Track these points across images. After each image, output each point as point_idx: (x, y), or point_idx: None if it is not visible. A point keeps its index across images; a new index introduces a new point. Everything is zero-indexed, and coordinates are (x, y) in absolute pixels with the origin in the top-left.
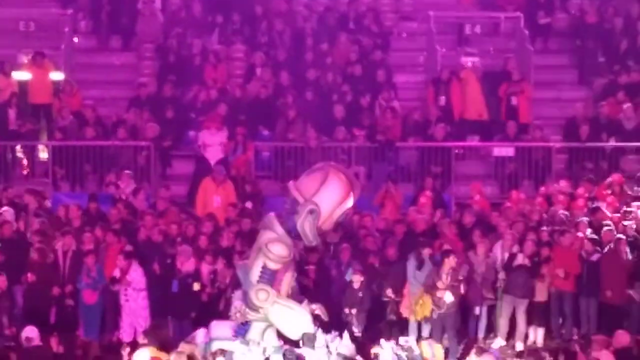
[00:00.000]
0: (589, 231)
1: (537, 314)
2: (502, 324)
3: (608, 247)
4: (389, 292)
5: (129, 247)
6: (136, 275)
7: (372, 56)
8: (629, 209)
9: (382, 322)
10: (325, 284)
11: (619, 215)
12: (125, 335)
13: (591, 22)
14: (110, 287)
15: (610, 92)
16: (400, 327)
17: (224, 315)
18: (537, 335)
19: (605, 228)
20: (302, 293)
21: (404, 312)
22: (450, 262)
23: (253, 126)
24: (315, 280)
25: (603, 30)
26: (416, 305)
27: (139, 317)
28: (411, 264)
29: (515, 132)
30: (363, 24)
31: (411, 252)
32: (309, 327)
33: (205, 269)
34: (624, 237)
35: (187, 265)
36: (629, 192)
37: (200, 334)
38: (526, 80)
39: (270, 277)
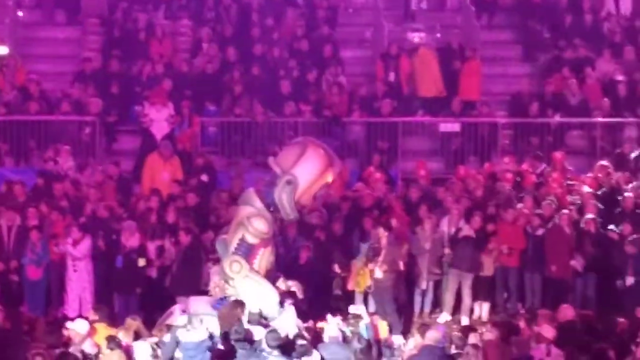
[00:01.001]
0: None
1: (482, 289)
2: (448, 298)
3: (552, 222)
4: (336, 267)
5: (82, 219)
6: (86, 248)
7: (319, 31)
8: (571, 182)
9: (329, 297)
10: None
11: (561, 190)
12: (71, 310)
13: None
14: (55, 255)
15: (555, 67)
16: (346, 301)
17: (169, 292)
18: (483, 309)
19: (545, 202)
20: None
21: (351, 286)
22: (384, 236)
23: (199, 101)
24: None
25: (548, 6)
26: (357, 277)
27: (84, 291)
28: (356, 238)
29: (460, 107)
30: None
31: (357, 225)
32: (274, 306)
33: (151, 244)
34: (567, 211)
35: (131, 240)
36: (570, 168)
37: (177, 309)
38: (472, 57)
39: (246, 251)
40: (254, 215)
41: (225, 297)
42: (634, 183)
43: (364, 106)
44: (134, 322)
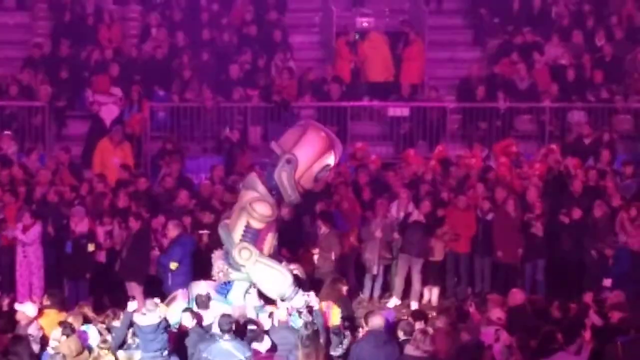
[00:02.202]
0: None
1: (432, 273)
2: (398, 283)
3: (499, 207)
4: (284, 252)
5: (33, 205)
6: (35, 234)
7: (268, 16)
8: (519, 162)
9: None
10: (221, 244)
11: (510, 174)
12: (20, 296)
13: None
14: (4, 239)
15: (504, 52)
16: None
17: (119, 276)
18: (432, 294)
19: (498, 187)
20: (193, 255)
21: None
22: (323, 226)
23: (149, 86)
24: (209, 243)
25: None
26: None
27: (33, 276)
28: (306, 223)
29: (409, 92)
30: None
31: (307, 210)
32: (289, 287)
33: (100, 229)
34: (514, 195)
35: (80, 225)
36: (520, 154)
37: (180, 294)
38: (415, 41)
39: (253, 236)
40: (257, 200)
41: (228, 282)
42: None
43: (313, 91)
44: (83, 307)
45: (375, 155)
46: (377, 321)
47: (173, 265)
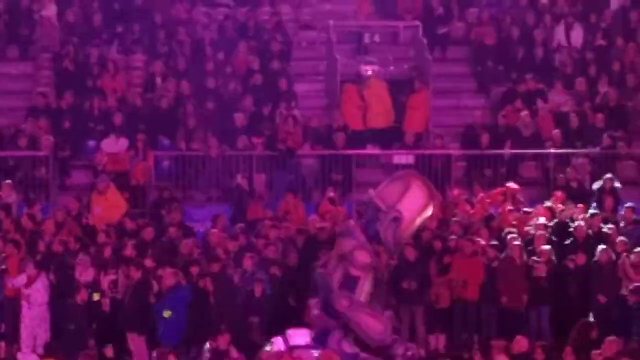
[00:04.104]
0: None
1: (439, 321)
2: (402, 330)
3: (504, 253)
4: (291, 300)
5: (39, 257)
6: (42, 286)
7: (272, 65)
8: (527, 210)
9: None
10: (227, 293)
11: (516, 221)
12: (25, 346)
13: (489, 35)
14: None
15: (508, 100)
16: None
17: (124, 325)
18: (439, 341)
19: (510, 235)
20: (201, 302)
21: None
22: None
23: (153, 135)
24: (215, 290)
25: (500, 39)
26: None
27: (39, 329)
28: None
29: (414, 140)
30: (264, 32)
31: (312, 258)
32: (388, 335)
33: (105, 279)
34: (518, 243)
35: (85, 275)
36: (521, 199)
37: (278, 342)
38: (423, 90)
39: (352, 284)
40: (357, 248)
41: (326, 330)
42: (586, 213)
43: (317, 139)
44: (87, 357)
45: None
46: None
47: (166, 314)
